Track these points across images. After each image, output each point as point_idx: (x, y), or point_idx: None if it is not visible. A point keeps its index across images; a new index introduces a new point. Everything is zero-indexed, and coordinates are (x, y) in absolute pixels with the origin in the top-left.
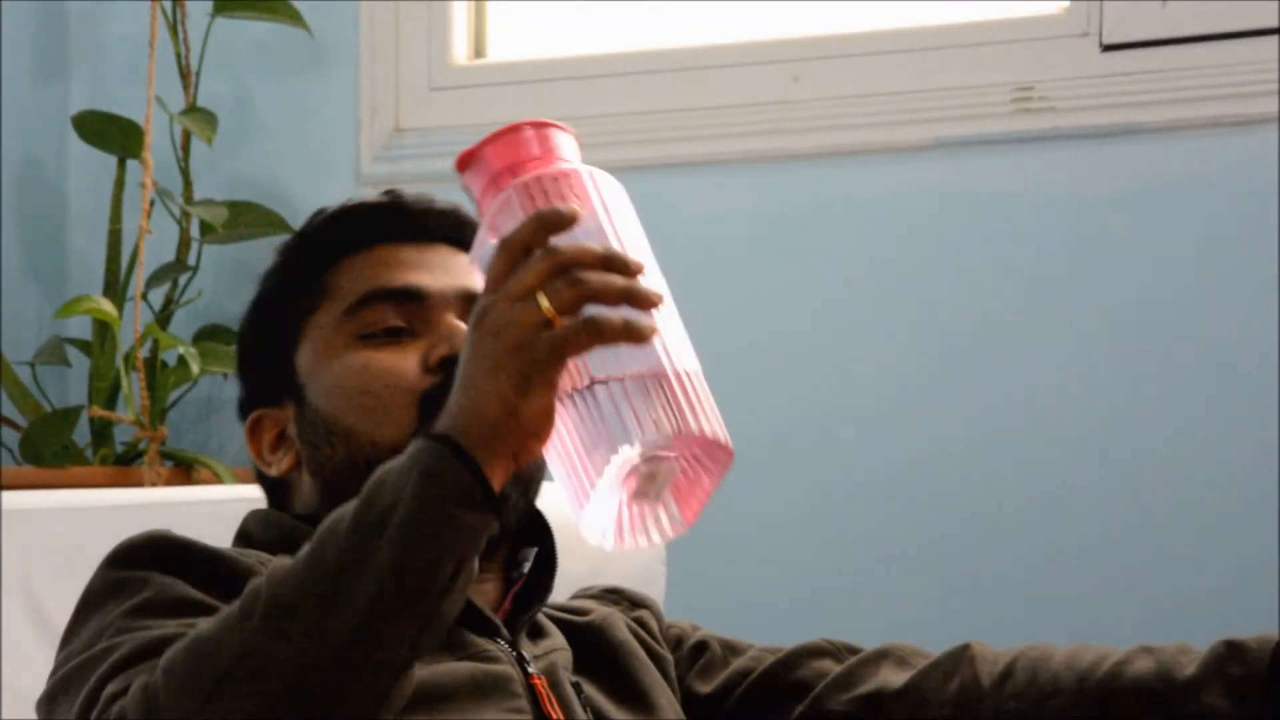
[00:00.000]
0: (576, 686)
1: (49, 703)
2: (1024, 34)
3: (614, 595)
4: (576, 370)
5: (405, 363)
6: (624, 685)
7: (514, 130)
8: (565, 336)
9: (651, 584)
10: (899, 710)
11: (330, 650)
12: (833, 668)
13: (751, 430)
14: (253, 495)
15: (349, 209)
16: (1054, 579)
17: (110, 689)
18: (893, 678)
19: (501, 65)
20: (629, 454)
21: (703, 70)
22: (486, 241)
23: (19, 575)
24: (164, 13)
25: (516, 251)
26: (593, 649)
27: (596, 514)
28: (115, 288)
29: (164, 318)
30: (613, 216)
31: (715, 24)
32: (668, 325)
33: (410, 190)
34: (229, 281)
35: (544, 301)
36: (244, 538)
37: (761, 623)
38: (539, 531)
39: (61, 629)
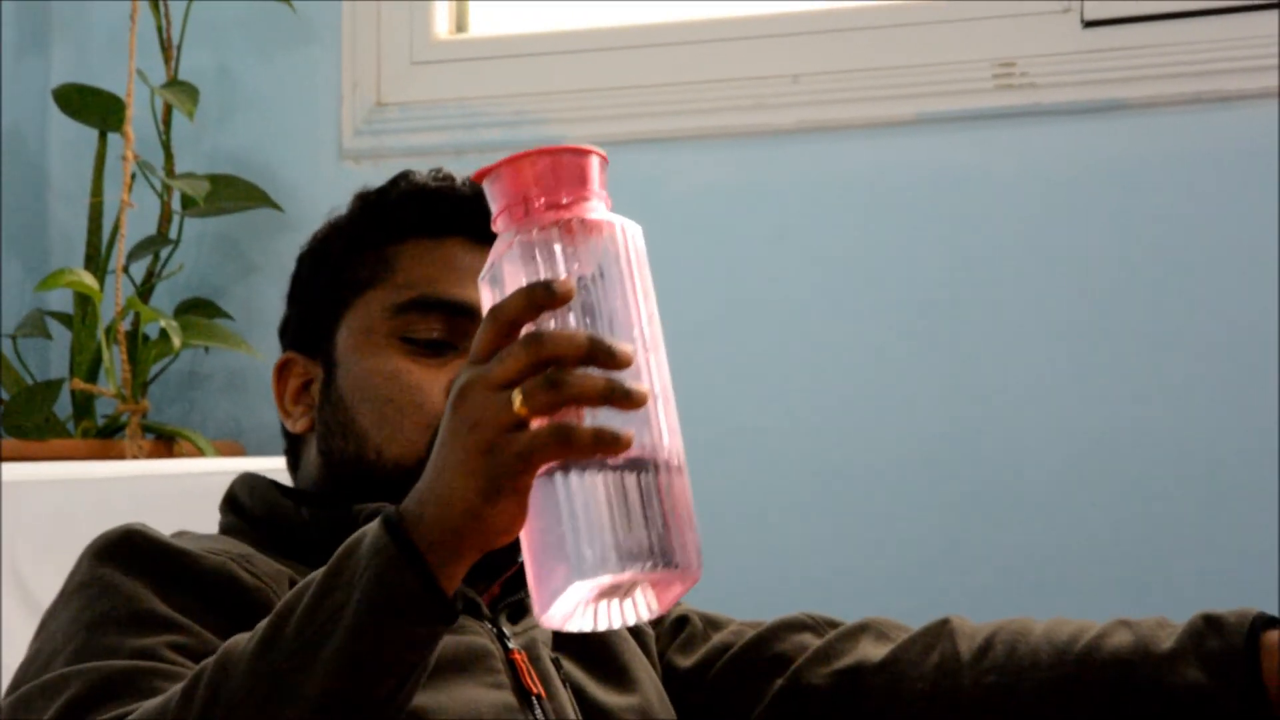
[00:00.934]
0: (556, 662)
1: (11, 715)
2: (1006, 10)
3: None
4: (558, 499)
5: (434, 383)
6: (604, 661)
7: (536, 156)
8: (534, 448)
9: None
10: (878, 683)
11: None
12: (813, 641)
13: (733, 402)
14: (233, 469)
15: (437, 190)
16: (1035, 556)
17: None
18: (873, 651)
19: (483, 40)
20: (586, 587)
21: (683, 45)
22: (491, 268)
23: (6, 549)
24: None
25: (503, 326)
26: None
27: (556, 608)
28: (96, 261)
29: (145, 291)
30: (611, 284)
31: None
32: (652, 412)
33: (446, 165)
34: (210, 255)
35: (517, 400)
36: (230, 501)
37: (744, 599)
38: None
39: (43, 597)
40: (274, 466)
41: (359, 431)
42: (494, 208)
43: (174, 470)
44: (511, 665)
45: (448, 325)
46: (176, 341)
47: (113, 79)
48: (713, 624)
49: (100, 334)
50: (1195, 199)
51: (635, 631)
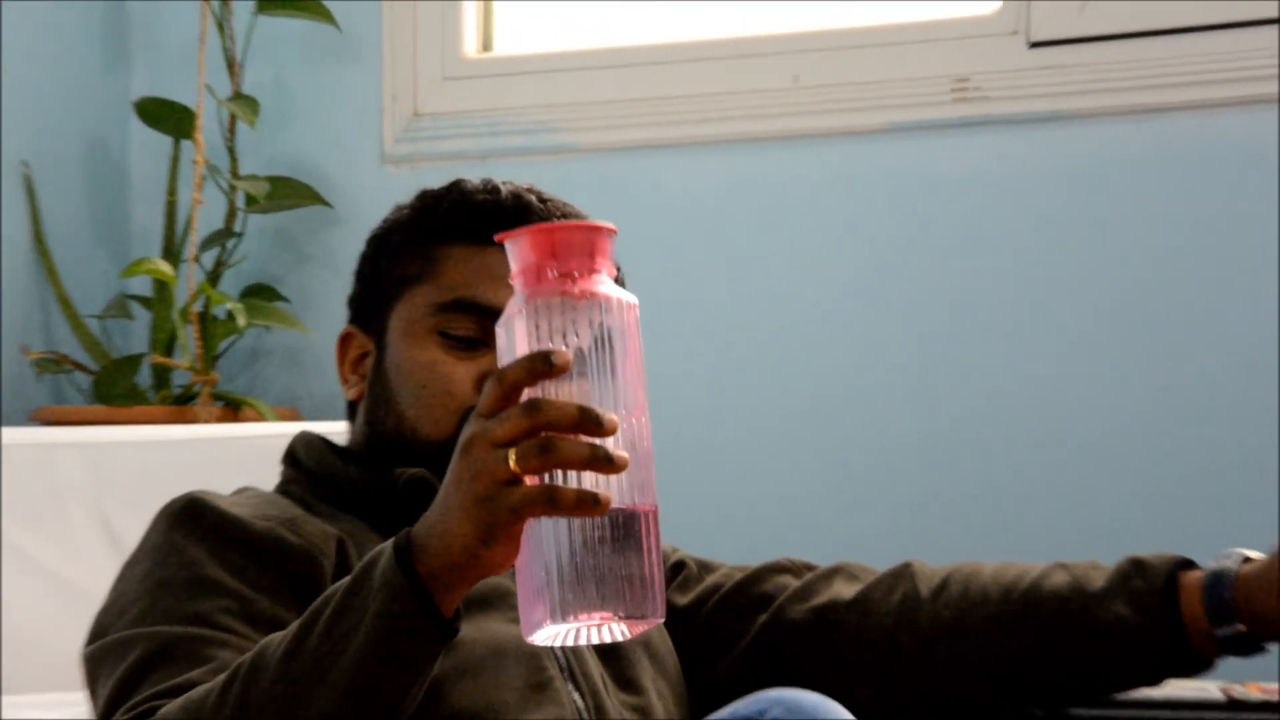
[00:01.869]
0: None
1: (92, 669)
2: (961, 32)
3: None
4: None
5: (464, 375)
6: None
7: (553, 230)
8: (525, 503)
9: None
10: (850, 618)
11: None
12: (792, 582)
13: (719, 380)
14: (290, 431)
15: (481, 203)
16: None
17: (118, 718)
18: (844, 590)
19: (506, 58)
20: (562, 628)
21: (681, 63)
22: (506, 321)
23: (93, 498)
24: (212, 11)
25: (507, 389)
26: None
27: (544, 636)
28: (172, 251)
29: (214, 277)
30: (606, 353)
31: (693, 21)
32: (631, 473)
33: (539, 194)
34: (270, 247)
35: (513, 459)
36: (290, 456)
37: (731, 545)
38: None
39: (127, 544)
40: (324, 429)
41: (398, 410)
42: (513, 267)
43: (239, 433)
44: None
45: (480, 325)
46: (241, 321)
47: (185, 92)
48: (706, 567)
49: (175, 315)
50: (1132, 199)
51: None
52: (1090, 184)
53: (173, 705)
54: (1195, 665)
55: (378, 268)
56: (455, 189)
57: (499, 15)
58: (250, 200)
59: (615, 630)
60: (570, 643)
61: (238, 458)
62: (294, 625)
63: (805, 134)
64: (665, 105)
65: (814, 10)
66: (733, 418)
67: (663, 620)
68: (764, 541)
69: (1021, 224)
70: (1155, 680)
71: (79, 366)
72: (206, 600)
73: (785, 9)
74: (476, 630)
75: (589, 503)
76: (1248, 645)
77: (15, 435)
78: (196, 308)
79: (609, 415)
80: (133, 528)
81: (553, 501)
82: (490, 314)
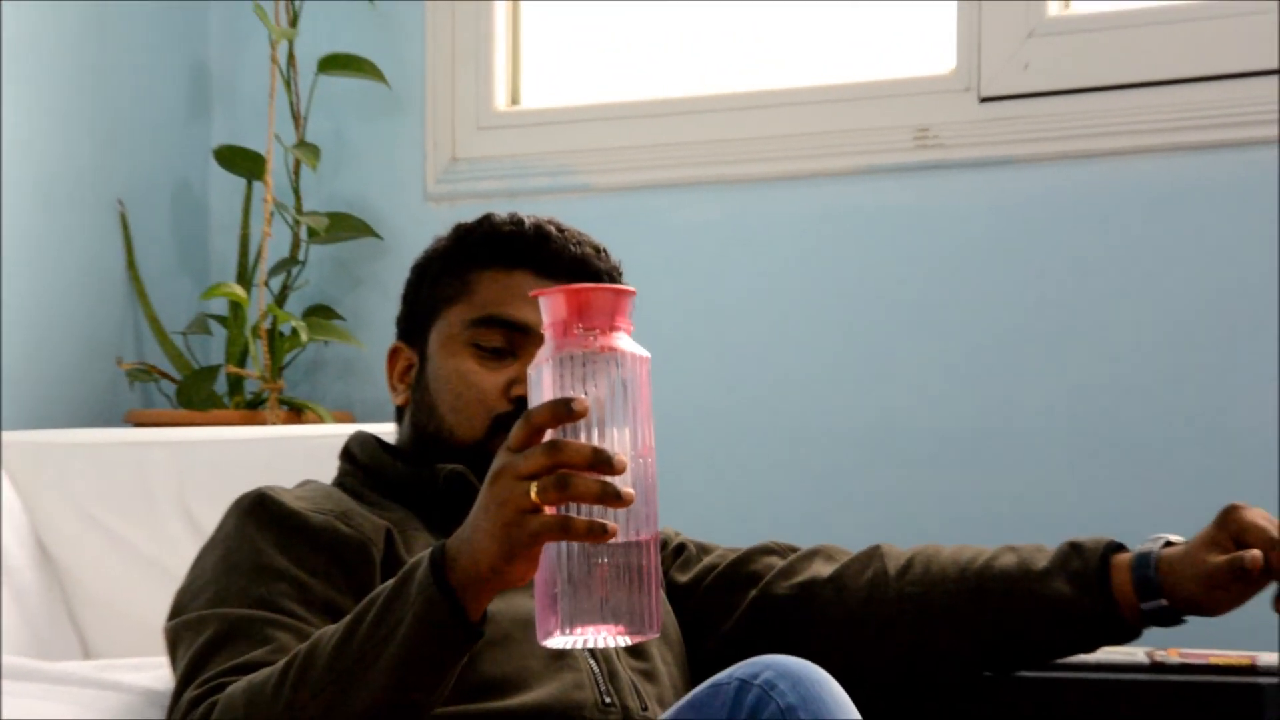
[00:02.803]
0: None
1: (172, 641)
2: (921, 89)
3: None
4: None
5: (494, 383)
6: None
7: (583, 292)
8: (543, 530)
9: None
10: (827, 594)
11: None
12: (778, 562)
13: (715, 382)
14: (345, 431)
15: (508, 233)
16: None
17: (191, 693)
18: (822, 569)
19: (531, 110)
20: (570, 638)
21: (684, 115)
22: (537, 367)
23: (176, 489)
24: (280, 71)
25: (533, 429)
26: None
27: (556, 641)
28: (245, 277)
29: (280, 299)
30: (619, 400)
31: (694, 77)
32: (638, 506)
33: (558, 226)
34: (329, 272)
35: (534, 491)
36: (346, 452)
37: (728, 532)
38: None
39: (204, 530)
40: (375, 430)
41: (438, 414)
42: (545, 319)
43: (302, 433)
44: None
45: (507, 338)
46: (304, 337)
47: (257, 140)
48: (703, 549)
49: (248, 332)
50: (1070, 235)
51: None
52: (1032, 220)
53: (237, 685)
54: (1124, 635)
55: (419, 292)
56: (485, 222)
57: (525, 73)
58: (312, 233)
59: (616, 640)
60: (578, 647)
61: (301, 454)
62: (343, 622)
63: (790, 175)
64: (669, 151)
65: (799, 67)
66: (725, 418)
67: (658, 634)
68: (756, 529)
69: (973, 254)
70: (1091, 648)
71: (165, 375)
72: (270, 585)
73: (774, 66)
74: (505, 605)
75: (598, 531)
76: (1169, 617)
77: (110, 435)
78: (265, 325)
79: (619, 457)
80: (210, 515)
81: (566, 529)
82: (516, 328)
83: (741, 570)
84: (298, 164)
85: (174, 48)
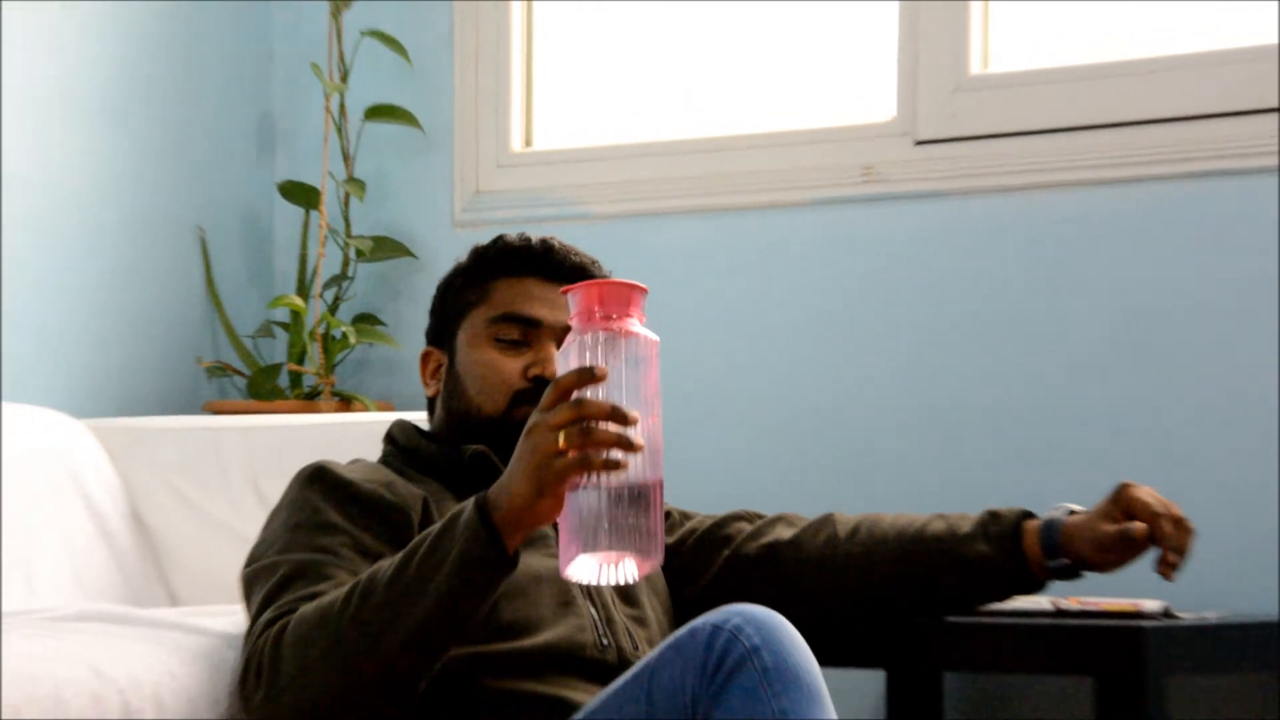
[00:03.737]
0: None
1: (247, 586)
2: (868, 134)
3: None
4: (580, 492)
5: (513, 367)
6: None
7: (602, 284)
8: (568, 468)
9: None
10: (788, 554)
11: (392, 641)
12: (747, 527)
13: (703, 385)
14: (387, 419)
15: (517, 248)
16: None
17: (267, 615)
18: (784, 533)
19: (543, 151)
20: (589, 557)
21: (676, 154)
22: (564, 350)
23: (246, 467)
24: (333, 118)
25: (562, 391)
26: None
27: (575, 568)
28: (303, 290)
29: (333, 308)
30: (633, 372)
31: (683, 121)
32: (644, 452)
33: (559, 242)
34: (373, 287)
35: (562, 439)
36: (389, 436)
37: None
38: None
39: (271, 499)
40: (412, 418)
41: (467, 396)
42: (572, 309)
43: (351, 420)
44: (559, 543)
45: (522, 331)
46: (352, 340)
47: (313, 176)
48: (685, 515)
49: (306, 335)
50: (992, 260)
51: None
52: (960, 244)
53: (307, 606)
54: (1033, 587)
55: (445, 303)
56: (499, 240)
57: (538, 119)
58: (359, 254)
59: (627, 571)
60: (595, 582)
61: (350, 438)
62: (399, 554)
63: (756, 206)
64: (657, 185)
65: (766, 114)
66: (711, 415)
67: (660, 561)
68: (724, 497)
69: (911, 273)
70: (1004, 597)
71: (237, 372)
72: (329, 537)
73: (746, 112)
74: (523, 564)
75: (613, 466)
76: (1069, 573)
77: (192, 421)
78: (320, 330)
79: (633, 412)
80: (275, 488)
81: (587, 465)
82: (530, 323)
83: (717, 533)
84: (347, 196)
85: (245, 99)
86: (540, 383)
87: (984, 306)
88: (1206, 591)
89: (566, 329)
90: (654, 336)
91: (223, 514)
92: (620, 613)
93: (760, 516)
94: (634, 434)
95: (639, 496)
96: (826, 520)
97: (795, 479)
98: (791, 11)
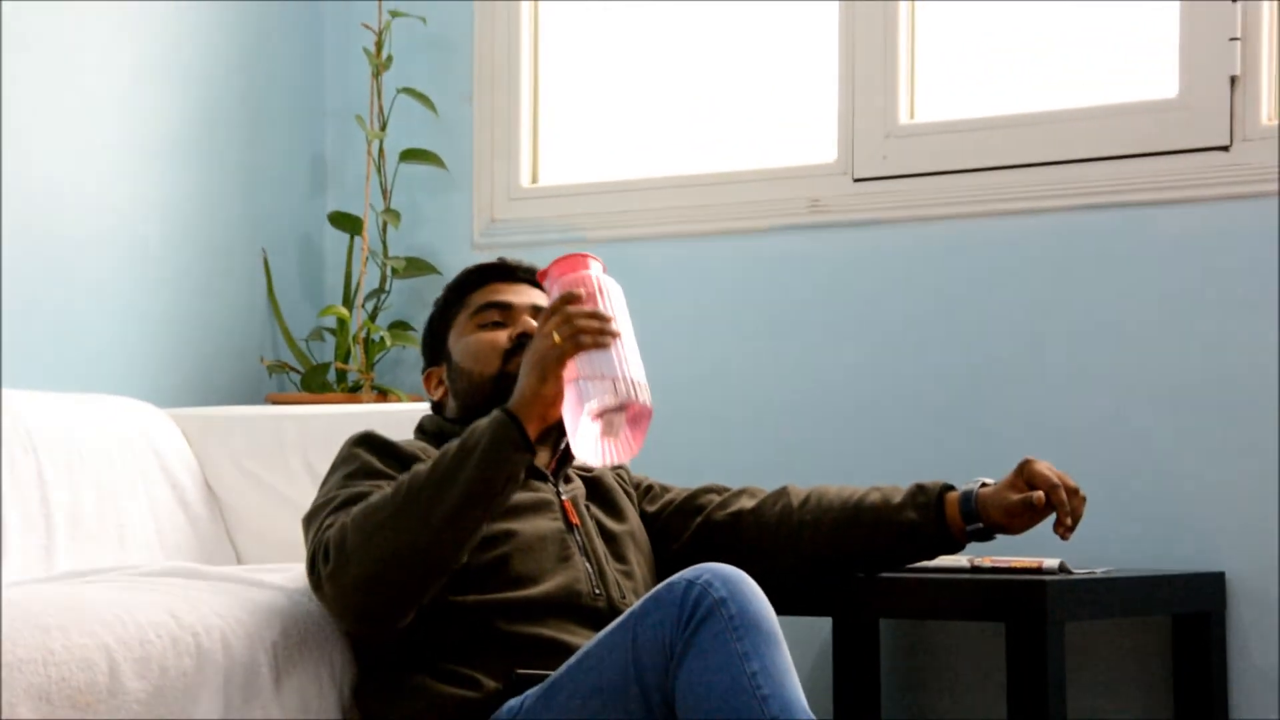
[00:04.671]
0: (587, 507)
1: (307, 521)
2: (815, 172)
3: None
4: (577, 375)
5: (499, 336)
6: (611, 506)
7: (569, 256)
8: (562, 350)
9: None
10: (749, 520)
11: (438, 516)
12: (716, 498)
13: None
14: (421, 409)
15: (480, 267)
16: None
17: (328, 521)
18: (747, 504)
19: (548, 186)
20: (592, 405)
21: (663, 189)
22: (549, 296)
23: (302, 448)
24: (373, 160)
25: (551, 311)
26: (597, 488)
27: (583, 443)
28: (349, 301)
29: (373, 317)
30: (603, 296)
31: (671, 159)
32: (624, 352)
33: (512, 256)
34: (407, 299)
35: (555, 335)
36: (419, 426)
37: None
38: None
39: (322, 474)
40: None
41: (465, 369)
42: (548, 287)
43: (388, 410)
44: (562, 508)
45: (500, 313)
46: (389, 343)
47: (357, 207)
48: (664, 488)
49: (350, 339)
50: (925, 280)
51: (626, 493)
52: (893, 265)
53: (356, 507)
54: (954, 548)
55: (433, 329)
56: (465, 270)
57: (543, 161)
58: (394, 271)
59: (626, 443)
60: (598, 460)
61: (387, 425)
62: (436, 454)
63: (719, 233)
64: (646, 215)
65: (731, 152)
66: (688, 404)
67: (651, 410)
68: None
69: (852, 290)
70: (930, 556)
71: (293, 369)
72: (376, 481)
73: (713, 151)
74: (530, 526)
75: (600, 341)
76: (984, 536)
77: (256, 410)
78: (362, 335)
79: (606, 312)
80: (327, 463)
81: (578, 345)
82: (504, 306)
83: (691, 503)
84: (385, 224)
85: (301, 144)
86: (524, 338)
87: (914, 319)
88: (1094, 551)
89: (538, 309)
90: (611, 280)
91: (282, 487)
92: (611, 566)
93: (727, 489)
94: (610, 328)
95: (618, 370)
96: (782, 492)
97: (755, 459)
98: (748, 68)
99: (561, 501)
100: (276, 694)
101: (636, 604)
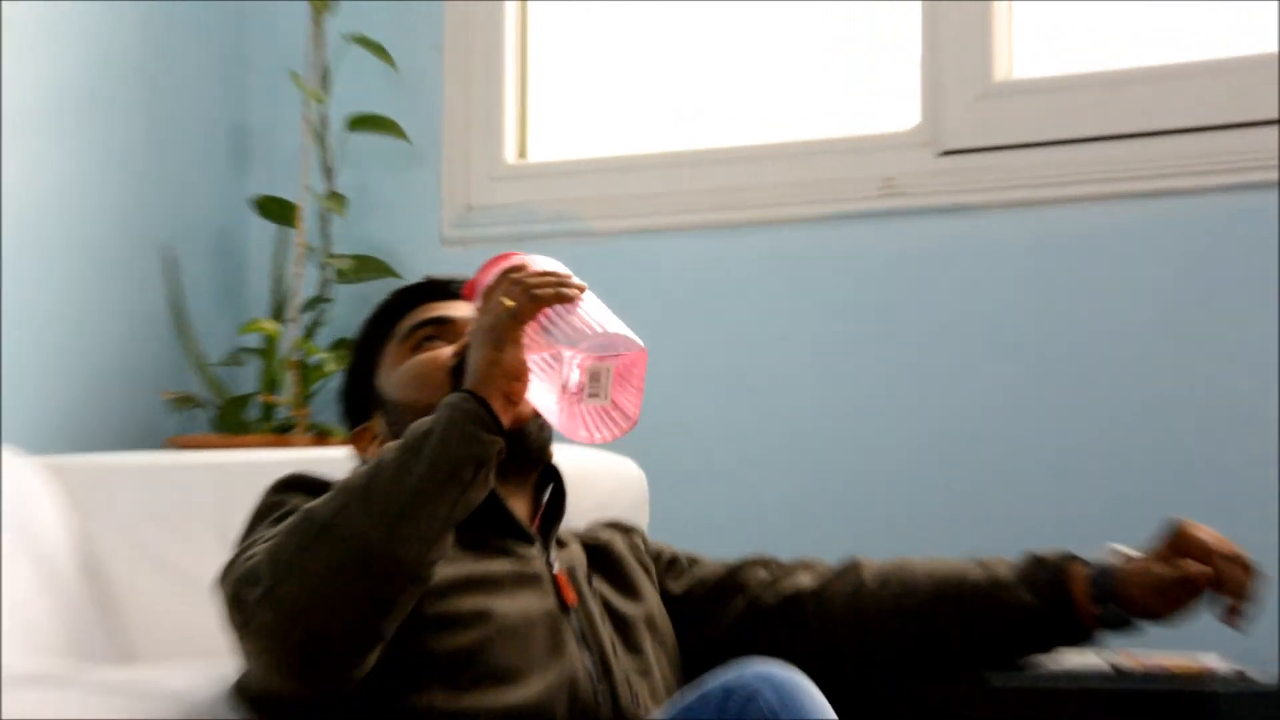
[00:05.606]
0: (589, 580)
1: (221, 578)
2: (889, 144)
3: (616, 526)
4: (542, 345)
5: (441, 354)
6: (622, 582)
7: (496, 258)
8: (518, 309)
9: (640, 518)
10: (811, 604)
11: (394, 511)
12: (765, 575)
13: (698, 404)
14: None
15: (405, 289)
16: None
17: (248, 554)
18: (807, 581)
19: (537, 164)
20: (570, 373)
21: (673, 167)
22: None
23: (214, 506)
24: (313, 128)
25: (495, 285)
26: (603, 558)
27: (568, 420)
28: (278, 314)
29: (310, 333)
30: (540, 263)
31: (681, 133)
32: (590, 308)
33: (492, 251)
34: (354, 310)
35: (507, 300)
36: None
37: (713, 545)
38: (555, 478)
39: (239, 521)
40: None
41: (406, 401)
42: (478, 286)
43: (328, 455)
44: (554, 583)
45: (437, 330)
46: (330, 368)
47: (290, 191)
48: (694, 561)
49: (279, 363)
50: (1016, 271)
51: (642, 565)
52: (983, 261)
53: (288, 520)
54: (1080, 638)
55: (356, 375)
56: (385, 297)
57: (532, 130)
58: (339, 274)
59: (618, 417)
60: (588, 438)
61: (325, 473)
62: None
63: (769, 221)
64: (662, 199)
65: (779, 123)
66: (718, 438)
67: (643, 346)
68: (750, 540)
69: (933, 291)
70: (1047, 649)
71: (204, 403)
72: None
73: (757, 121)
74: (512, 605)
75: (563, 295)
76: (1119, 623)
77: (154, 458)
78: (296, 357)
79: (561, 272)
80: (241, 514)
81: (536, 300)
82: (441, 321)
83: (731, 581)
84: (327, 212)
85: (217, 108)
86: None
87: (1009, 324)
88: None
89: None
90: (542, 258)
91: (186, 564)
92: (622, 661)
93: (778, 562)
94: (569, 282)
95: (583, 326)
96: (852, 566)
97: (807, 499)
98: (803, 15)
99: (553, 574)
100: None
101: (658, 715)
